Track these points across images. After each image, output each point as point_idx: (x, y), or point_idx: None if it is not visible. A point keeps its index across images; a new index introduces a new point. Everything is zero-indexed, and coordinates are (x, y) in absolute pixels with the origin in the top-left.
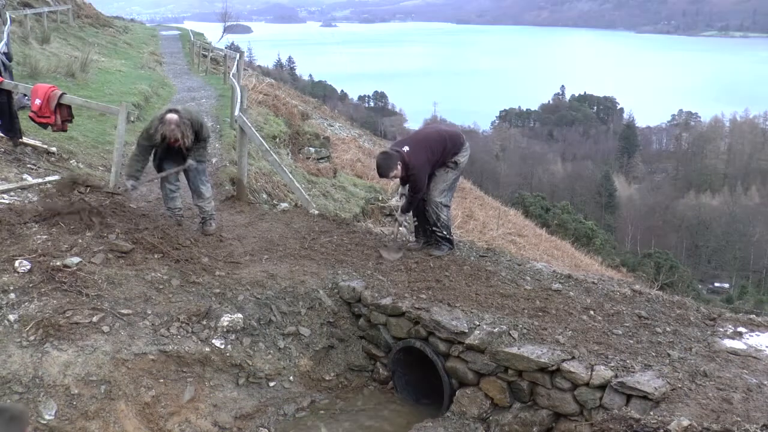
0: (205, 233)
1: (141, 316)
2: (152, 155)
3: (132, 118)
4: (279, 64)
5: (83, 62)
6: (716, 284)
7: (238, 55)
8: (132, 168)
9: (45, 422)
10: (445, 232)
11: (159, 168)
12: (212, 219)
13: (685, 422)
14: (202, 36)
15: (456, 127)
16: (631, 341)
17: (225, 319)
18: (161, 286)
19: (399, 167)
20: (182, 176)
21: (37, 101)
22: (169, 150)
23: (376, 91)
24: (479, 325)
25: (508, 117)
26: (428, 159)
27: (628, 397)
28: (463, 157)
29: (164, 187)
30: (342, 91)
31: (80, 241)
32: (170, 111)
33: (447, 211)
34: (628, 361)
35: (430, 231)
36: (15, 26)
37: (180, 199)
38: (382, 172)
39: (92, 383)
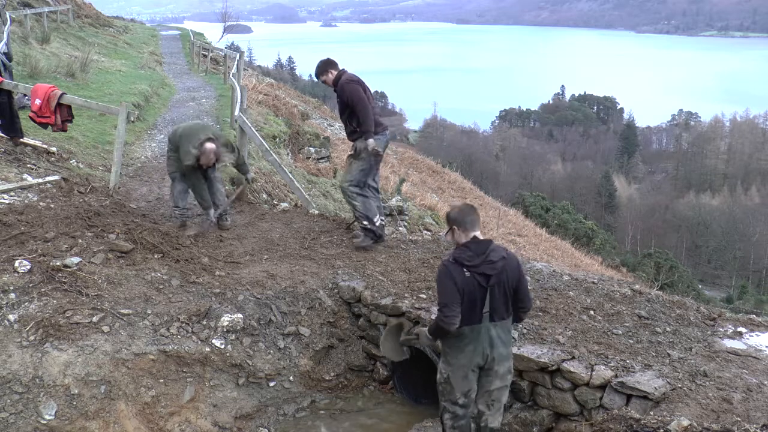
0: (222, 228)
1: (141, 316)
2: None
3: (132, 118)
4: (279, 64)
5: (83, 62)
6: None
7: (238, 55)
8: (181, 200)
9: (45, 422)
10: (365, 222)
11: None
12: (227, 214)
13: (685, 422)
14: (202, 36)
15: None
16: (631, 341)
17: (225, 319)
18: (161, 286)
19: (332, 74)
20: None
21: (37, 101)
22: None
23: (375, 91)
24: None
25: (508, 117)
26: (360, 85)
27: (628, 397)
28: (362, 144)
29: (175, 186)
30: None
31: (80, 241)
32: (208, 140)
33: (361, 199)
34: (628, 361)
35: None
36: (15, 26)
37: (189, 197)
38: (318, 71)
39: (92, 383)
